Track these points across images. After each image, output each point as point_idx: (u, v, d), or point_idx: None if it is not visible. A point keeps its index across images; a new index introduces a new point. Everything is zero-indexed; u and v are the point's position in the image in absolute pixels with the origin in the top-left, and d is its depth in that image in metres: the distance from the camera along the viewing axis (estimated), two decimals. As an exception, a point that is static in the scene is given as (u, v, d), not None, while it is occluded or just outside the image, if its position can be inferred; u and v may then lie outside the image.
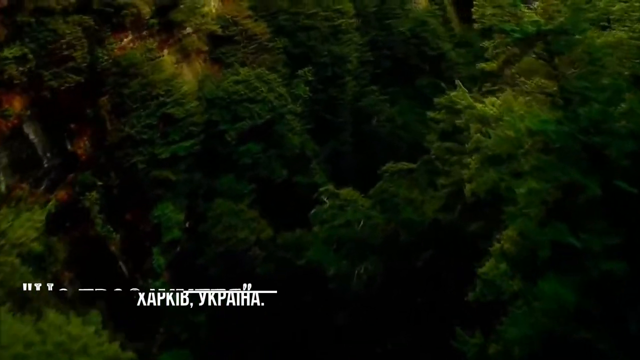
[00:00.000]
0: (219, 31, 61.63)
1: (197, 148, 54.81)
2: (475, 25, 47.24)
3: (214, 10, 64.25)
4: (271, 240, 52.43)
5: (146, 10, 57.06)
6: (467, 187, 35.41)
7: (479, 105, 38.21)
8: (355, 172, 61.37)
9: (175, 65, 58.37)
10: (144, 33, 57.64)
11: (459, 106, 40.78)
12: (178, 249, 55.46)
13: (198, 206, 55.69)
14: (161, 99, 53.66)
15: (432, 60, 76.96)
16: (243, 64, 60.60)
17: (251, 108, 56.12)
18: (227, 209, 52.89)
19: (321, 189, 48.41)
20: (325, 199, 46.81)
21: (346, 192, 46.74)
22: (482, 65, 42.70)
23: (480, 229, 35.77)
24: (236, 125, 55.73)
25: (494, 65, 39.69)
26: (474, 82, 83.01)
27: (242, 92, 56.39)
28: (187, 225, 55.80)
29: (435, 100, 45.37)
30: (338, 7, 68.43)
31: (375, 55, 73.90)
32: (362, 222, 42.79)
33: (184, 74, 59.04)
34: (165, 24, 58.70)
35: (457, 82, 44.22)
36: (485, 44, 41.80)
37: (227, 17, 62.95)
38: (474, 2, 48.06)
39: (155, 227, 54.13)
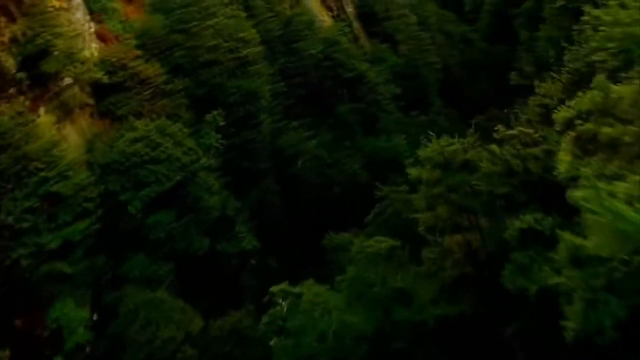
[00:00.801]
0: (105, 78, 50.63)
1: (95, 228, 43.63)
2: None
3: (95, 54, 53.20)
4: (203, 332, 42.08)
5: (10, 62, 45.81)
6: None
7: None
8: (288, 227, 52.07)
9: (56, 127, 46.98)
10: (11, 91, 46.13)
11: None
12: (87, 350, 44.32)
13: (106, 297, 44.67)
14: (41, 173, 42.11)
15: (350, 82, 68.50)
16: (139, 115, 49.98)
17: (156, 170, 45.55)
18: (142, 300, 42.14)
19: (274, 289, 37.85)
20: (280, 301, 36.39)
21: (307, 286, 36.65)
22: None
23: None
24: (140, 194, 45.04)
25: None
26: (396, 100, 76.33)
27: (143, 152, 45.71)
28: (94, 318, 44.86)
29: (420, 152, 36.56)
30: (241, 35, 58.78)
31: (288, 85, 64.66)
32: (335, 329, 32.46)
33: (68, 136, 47.81)
34: (37, 77, 47.26)
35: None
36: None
37: (113, 60, 52.02)
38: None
39: (54, 331, 42.69)
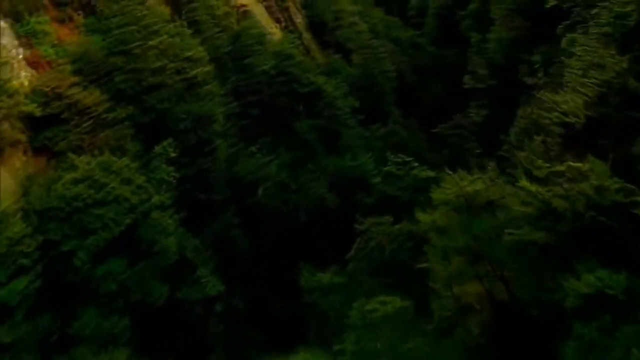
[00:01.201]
0: (38, 111, 44.68)
1: (35, 286, 37.61)
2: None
3: (26, 84, 47.04)
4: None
5: None
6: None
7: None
8: (253, 263, 47.05)
9: (-17, 171, 40.95)
10: None
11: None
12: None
13: (52, 362, 38.72)
14: (-34, 230, 36.14)
15: (306, 98, 63.65)
16: (79, 150, 44.14)
17: (102, 214, 39.74)
18: (95, 365, 36.37)
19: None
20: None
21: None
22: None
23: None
24: (86, 243, 39.16)
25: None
26: (355, 113, 71.81)
27: (86, 195, 39.83)
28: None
29: (434, 195, 31.25)
30: (188, 54, 53.39)
31: (241, 104, 59.53)
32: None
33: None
34: (-42, 116, 41.26)
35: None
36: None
37: (46, 89, 46.01)
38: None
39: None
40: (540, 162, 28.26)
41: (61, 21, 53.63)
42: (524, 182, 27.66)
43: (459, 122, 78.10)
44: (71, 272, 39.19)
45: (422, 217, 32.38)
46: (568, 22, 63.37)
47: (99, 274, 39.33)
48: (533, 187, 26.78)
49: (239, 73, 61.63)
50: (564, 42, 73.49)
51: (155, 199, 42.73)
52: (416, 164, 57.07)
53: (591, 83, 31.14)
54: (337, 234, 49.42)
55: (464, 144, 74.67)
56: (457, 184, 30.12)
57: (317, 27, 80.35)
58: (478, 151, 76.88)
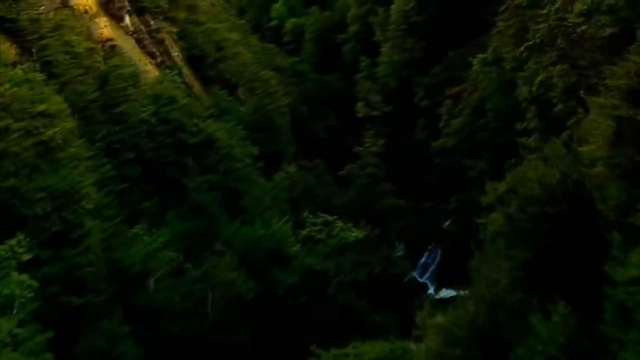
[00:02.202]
0: None
1: None
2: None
3: None
4: None
5: None
6: None
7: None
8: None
9: None
10: None
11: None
12: None
13: None
14: None
15: (196, 149, 50.77)
16: None
17: None
18: None
19: None
20: None
21: None
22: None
23: None
24: None
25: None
26: (257, 161, 59.57)
27: None
28: None
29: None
30: (41, 108, 39.14)
31: (116, 165, 45.72)
32: None
33: None
34: None
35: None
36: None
37: None
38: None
39: None
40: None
41: None
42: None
43: (366, 162, 67.41)
44: None
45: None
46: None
47: None
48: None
49: (111, 125, 47.78)
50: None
51: (4, 328, 28.38)
52: (339, 223, 46.04)
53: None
54: (259, 331, 36.98)
55: (375, 185, 64.15)
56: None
57: (197, 60, 67.36)
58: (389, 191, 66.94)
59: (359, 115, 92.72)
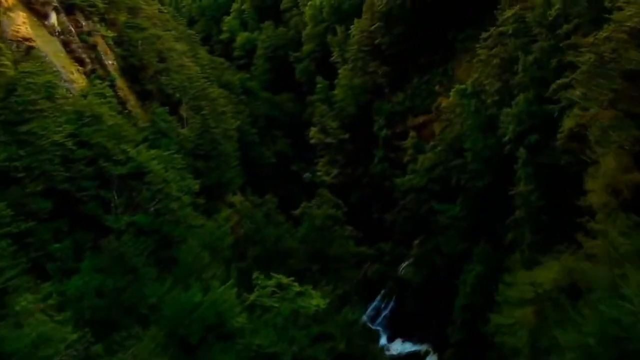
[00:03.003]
0: None
1: None
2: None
3: None
4: None
5: None
6: None
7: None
8: None
9: None
10: None
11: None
12: None
13: None
14: None
15: (123, 183, 39.84)
16: None
17: None
18: None
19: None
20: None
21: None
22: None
23: None
24: None
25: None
26: (199, 195, 48.75)
27: None
28: None
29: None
30: None
31: (18, 202, 34.47)
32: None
33: None
34: None
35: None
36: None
37: None
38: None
39: None
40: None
41: None
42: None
43: (322, 200, 57.36)
44: None
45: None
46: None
47: None
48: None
49: (14, 146, 36.37)
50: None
51: None
52: (296, 287, 36.06)
53: None
54: None
55: (332, 228, 54.21)
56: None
57: (134, 71, 56.25)
58: (353, 235, 56.98)
59: (313, 141, 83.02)
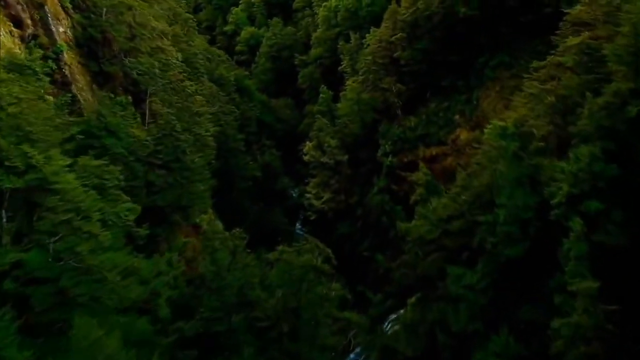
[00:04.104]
0: None
1: None
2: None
3: None
4: None
5: None
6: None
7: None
8: None
9: None
10: None
11: None
12: None
13: None
14: None
15: (16, 200, 25.74)
16: None
17: None
18: None
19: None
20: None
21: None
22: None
23: None
24: None
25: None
26: (143, 219, 33.58)
27: None
28: None
29: None
30: None
31: None
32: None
33: None
34: None
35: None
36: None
37: None
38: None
39: None
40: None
41: None
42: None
43: (305, 246, 43.02)
44: None
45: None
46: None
47: None
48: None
49: None
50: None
51: None
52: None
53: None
54: None
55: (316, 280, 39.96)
56: None
57: (93, 45, 42.00)
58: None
59: (306, 158, 69.02)
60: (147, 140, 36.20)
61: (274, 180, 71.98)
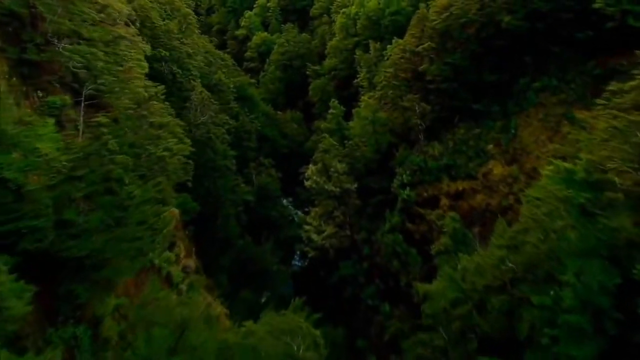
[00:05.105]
0: None
1: None
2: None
3: None
4: None
5: None
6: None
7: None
8: None
9: None
10: None
11: None
12: None
13: None
14: None
15: None
16: None
17: None
18: None
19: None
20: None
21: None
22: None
23: None
24: None
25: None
26: None
27: None
28: None
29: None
30: None
31: None
32: None
33: None
34: None
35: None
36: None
37: None
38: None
39: None
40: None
41: None
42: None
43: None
44: None
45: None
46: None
47: None
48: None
49: None
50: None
51: None
52: None
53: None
54: None
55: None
56: None
57: (18, 24, 29.64)
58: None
59: (308, 183, 56.24)
60: (61, 160, 23.71)
61: (270, 207, 59.19)
